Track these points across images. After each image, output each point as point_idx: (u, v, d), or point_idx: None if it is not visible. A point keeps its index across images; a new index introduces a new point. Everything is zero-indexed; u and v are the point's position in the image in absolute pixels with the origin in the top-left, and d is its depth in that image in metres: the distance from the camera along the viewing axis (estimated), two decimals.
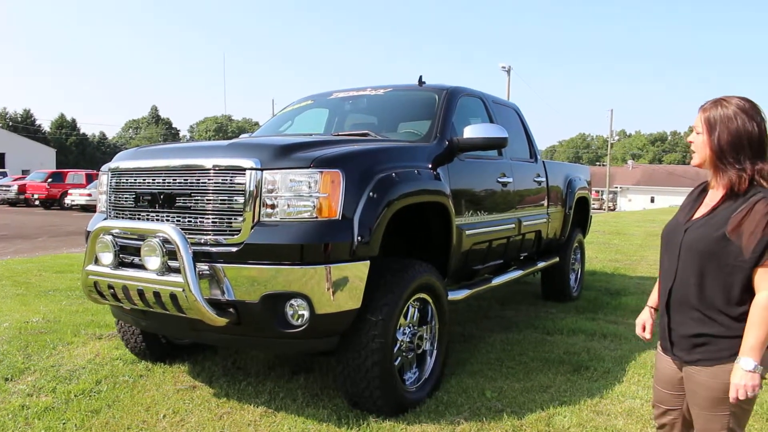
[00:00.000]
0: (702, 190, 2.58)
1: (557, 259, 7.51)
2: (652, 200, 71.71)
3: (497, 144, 5.06)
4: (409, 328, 4.23)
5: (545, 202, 6.96)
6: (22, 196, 34.03)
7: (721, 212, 2.37)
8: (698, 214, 2.49)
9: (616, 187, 77.08)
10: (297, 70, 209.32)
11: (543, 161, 7.18)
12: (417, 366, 4.35)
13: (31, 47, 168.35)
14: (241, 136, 5.94)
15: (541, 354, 5.41)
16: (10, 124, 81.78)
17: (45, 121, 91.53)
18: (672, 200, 59.99)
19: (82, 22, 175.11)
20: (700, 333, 2.40)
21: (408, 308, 4.17)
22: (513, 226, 5.95)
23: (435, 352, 4.46)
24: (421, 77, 5.88)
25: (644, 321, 2.82)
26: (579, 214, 8.24)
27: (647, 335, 2.80)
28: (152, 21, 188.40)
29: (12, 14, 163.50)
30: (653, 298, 2.81)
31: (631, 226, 20.50)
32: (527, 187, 6.45)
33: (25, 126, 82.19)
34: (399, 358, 4.12)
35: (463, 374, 4.85)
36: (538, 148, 7.23)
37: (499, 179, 5.67)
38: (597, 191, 66.98)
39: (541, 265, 7.06)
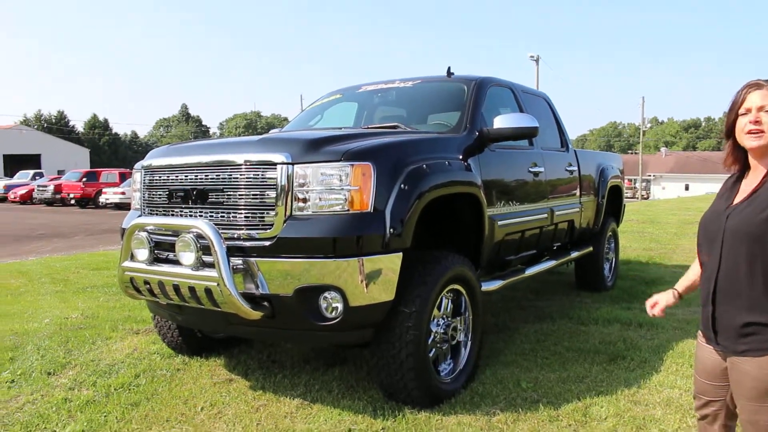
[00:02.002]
0: (737, 179, 2.51)
1: (591, 248, 7.43)
2: (687, 188, 70.53)
3: (528, 134, 5.01)
4: (443, 319, 4.22)
5: (577, 192, 6.89)
6: (58, 196, 34.69)
7: (764, 193, 2.30)
8: (738, 200, 2.42)
9: (649, 176, 75.97)
10: (323, 66, 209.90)
11: (574, 150, 7.10)
12: (451, 357, 4.34)
13: (62, 50, 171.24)
14: (271, 132, 5.97)
15: (576, 344, 5.37)
16: (45, 125, 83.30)
17: (78, 122, 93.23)
18: (707, 187, 58.93)
19: (112, 25, 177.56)
20: (748, 322, 2.32)
21: (441, 300, 4.16)
22: (545, 216, 5.90)
23: (469, 343, 4.45)
24: (449, 68, 5.85)
25: (657, 299, 2.76)
26: (612, 203, 8.14)
27: (656, 312, 2.76)
28: (179, 21, 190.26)
29: (45, 19, 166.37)
30: (681, 284, 2.76)
31: (666, 215, 20.18)
32: (559, 176, 6.39)
33: (59, 127, 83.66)
34: (433, 350, 4.11)
35: (497, 365, 4.83)
36: (569, 137, 7.15)
37: (530, 169, 5.62)
38: (630, 180, 66.21)
39: (574, 254, 6.99)
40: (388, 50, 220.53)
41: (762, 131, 2.34)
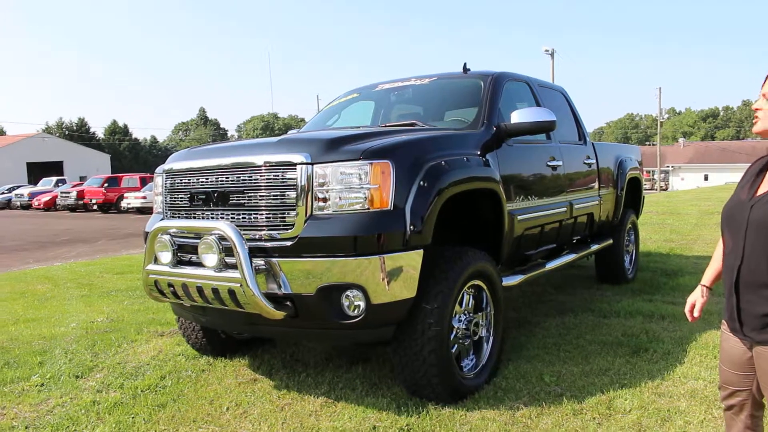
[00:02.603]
0: (762, 168, 2.48)
1: (611, 241, 7.38)
2: (706, 178, 69.66)
3: (545, 128, 4.99)
4: (465, 315, 4.21)
5: (596, 185, 6.84)
6: (80, 202, 35.08)
7: None
8: (762, 190, 2.40)
9: (668, 167, 75.18)
10: (336, 64, 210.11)
11: (592, 143, 7.05)
12: (474, 353, 4.33)
13: (83, 56, 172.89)
14: (289, 132, 5.99)
15: (598, 337, 5.33)
16: (67, 133, 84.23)
17: (99, 129, 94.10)
18: (727, 177, 58.23)
19: (131, 30, 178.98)
20: None
21: (463, 295, 4.16)
22: (565, 209, 5.86)
23: (491, 338, 4.45)
24: (465, 64, 5.83)
25: (694, 301, 2.75)
26: (631, 195, 8.09)
27: (696, 314, 2.74)
28: (194, 25, 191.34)
29: (67, 28, 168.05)
30: (707, 277, 2.74)
31: (685, 205, 19.98)
32: (577, 169, 6.35)
33: (80, 134, 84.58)
34: (456, 346, 4.11)
35: (520, 360, 4.81)
36: (586, 130, 7.11)
37: (548, 163, 5.60)
38: (648, 171, 65.63)
39: (594, 247, 6.95)
40: (403, 46, 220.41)
41: (757, 117, 2.40)
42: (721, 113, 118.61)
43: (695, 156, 76.55)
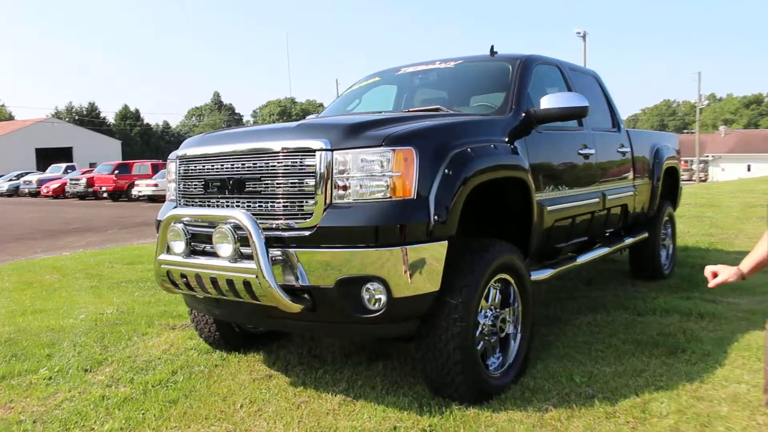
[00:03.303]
0: None
1: (646, 234, 7.31)
2: (749, 168, 68.71)
3: (577, 114, 4.94)
4: (491, 310, 4.19)
5: (631, 174, 6.78)
6: (90, 189, 35.53)
7: None
8: None
9: (707, 156, 74.37)
10: (356, 47, 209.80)
11: (627, 130, 6.98)
12: (500, 350, 4.31)
13: (93, 40, 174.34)
14: (307, 118, 5.99)
15: (632, 336, 5.29)
16: (76, 117, 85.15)
17: (109, 113, 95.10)
18: None
19: (141, 16, 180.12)
20: None
21: (489, 290, 4.13)
22: (597, 200, 5.81)
23: (519, 335, 4.42)
24: (492, 47, 5.79)
25: (718, 270, 2.70)
26: (668, 186, 7.99)
27: (713, 283, 2.69)
28: (209, 7, 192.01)
29: (75, 10, 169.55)
30: (747, 263, 2.69)
31: (726, 197, 19.73)
32: (611, 158, 6.29)
33: (90, 119, 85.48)
34: (481, 343, 4.09)
35: (549, 358, 4.78)
36: (620, 116, 7.03)
37: (580, 151, 5.55)
38: (686, 161, 64.90)
39: (628, 241, 6.89)
40: (430, 27, 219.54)
41: None
42: (766, 99, 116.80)
43: (737, 145, 75.54)
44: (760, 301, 5.73)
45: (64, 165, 46.13)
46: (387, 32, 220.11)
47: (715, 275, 2.70)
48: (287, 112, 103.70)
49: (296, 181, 3.72)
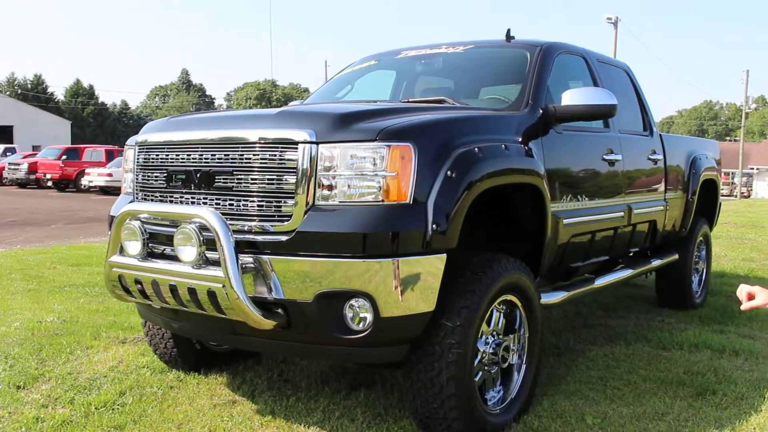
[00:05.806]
0: None
1: (676, 256, 7.36)
2: None
3: (603, 113, 4.98)
4: (493, 336, 4.22)
5: (662, 186, 6.82)
6: (32, 176, 35.36)
7: None
8: None
9: (752, 169, 74.71)
10: (351, 24, 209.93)
11: (660, 134, 7.03)
12: (502, 383, 4.34)
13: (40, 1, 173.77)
14: (290, 104, 6.00)
15: (655, 373, 5.33)
16: (19, 92, 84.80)
17: (58, 89, 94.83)
18: None
19: None
20: None
21: (492, 313, 4.16)
22: (621, 214, 5.85)
23: (524, 366, 4.45)
24: (509, 31, 5.81)
25: (757, 291, 2.67)
26: (705, 201, 8.05)
27: (751, 304, 2.66)
28: None
29: None
30: None
31: None
32: (640, 166, 6.34)
33: (35, 94, 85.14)
34: (480, 373, 4.12)
35: (557, 395, 4.82)
36: (653, 118, 7.09)
37: (605, 156, 5.59)
38: (727, 173, 65.16)
39: (655, 263, 6.93)
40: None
41: None
42: None
43: None
44: None
45: (2, 147, 45.90)
46: (393, 20, 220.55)
47: (751, 297, 2.67)
48: (267, 96, 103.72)
49: (274, 177, 3.73)
